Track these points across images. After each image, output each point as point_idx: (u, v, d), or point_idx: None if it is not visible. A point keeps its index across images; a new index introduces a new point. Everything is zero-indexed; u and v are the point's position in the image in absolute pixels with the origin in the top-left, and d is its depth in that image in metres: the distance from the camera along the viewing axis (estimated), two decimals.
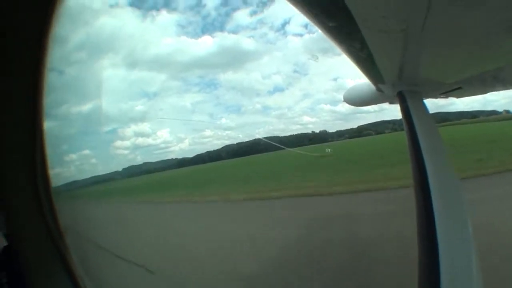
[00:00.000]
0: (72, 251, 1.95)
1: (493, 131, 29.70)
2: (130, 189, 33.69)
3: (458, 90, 3.93)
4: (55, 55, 1.59)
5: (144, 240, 12.33)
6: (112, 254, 9.92)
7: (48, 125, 1.74)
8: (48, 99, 1.66)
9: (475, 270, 2.27)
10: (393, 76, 3.25)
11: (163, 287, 8.24)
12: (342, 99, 6.07)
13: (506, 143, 21.53)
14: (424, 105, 3.47)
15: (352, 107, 6.18)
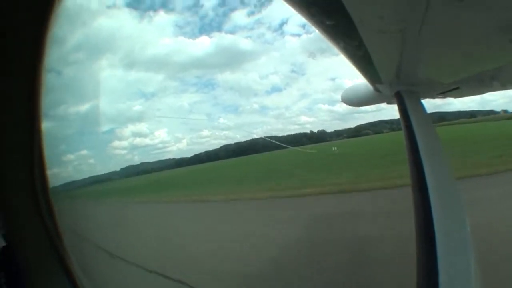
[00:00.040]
0: (70, 251, 1.95)
1: (496, 130, 29.83)
2: (128, 189, 33.66)
3: (456, 90, 3.94)
4: (53, 56, 1.59)
5: (142, 240, 12.32)
6: (110, 254, 9.91)
7: (46, 125, 1.74)
8: (46, 100, 1.66)
9: (474, 269, 2.28)
10: (390, 76, 3.25)
11: (161, 286, 8.23)
12: (340, 99, 6.07)
13: None
14: (421, 105, 3.48)
15: (350, 107, 6.18)
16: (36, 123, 1.68)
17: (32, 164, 1.72)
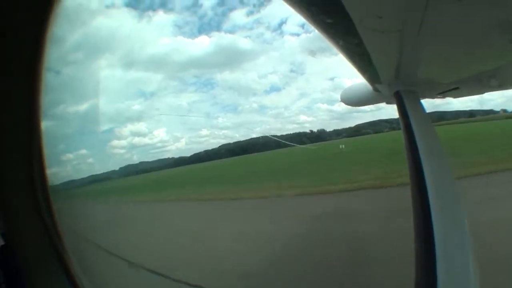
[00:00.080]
0: (69, 250, 1.95)
1: (500, 128, 29.78)
2: (127, 188, 33.62)
3: (455, 90, 3.94)
4: (52, 55, 1.59)
5: (141, 239, 12.31)
6: (110, 253, 9.90)
7: (45, 124, 1.74)
8: (46, 99, 1.66)
9: (472, 267, 2.29)
10: (390, 76, 3.26)
11: (159, 285, 8.24)
12: (339, 99, 6.07)
13: None
14: (421, 105, 3.48)
15: (349, 106, 6.17)
16: (36, 122, 1.68)
17: (31, 163, 1.72)
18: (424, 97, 3.92)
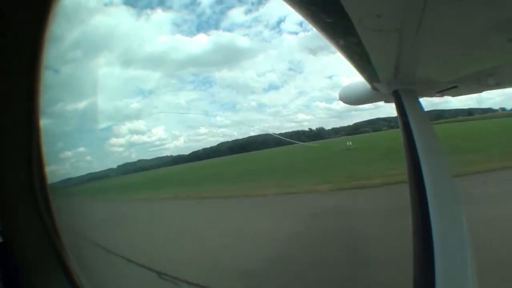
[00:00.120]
0: (68, 248, 1.95)
1: (499, 126, 29.88)
2: (125, 187, 33.64)
3: (453, 89, 3.95)
4: (51, 54, 1.59)
5: (140, 237, 12.32)
6: (108, 251, 9.91)
7: (44, 123, 1.74)
8: (44, 98, 1.66)
9: (470, 267, 2.29)
10: (388, 75, 3.26)
11: (158, 283, 8.25)
12: (338, 97, 6.06)
13: None
14: (419, 104, 3.48)
15: (347, 104, 6.16)
16: (35, 120, 1.68)
17: (30, 162, 1.72)
18: (423, 95, 3.92)
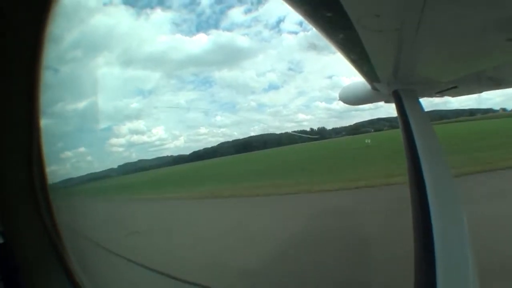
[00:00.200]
0: (69, 248, 1.95)
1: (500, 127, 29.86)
2: (126, 186, 33.65)
3: (453, 89, 3.95)
4: (51, 54, 1.59)
5: (140, 237, 12.33)
6: (109, 251, 9.92)
7: (44, 123, 1.74)
8: (44, 97, 1.66)
9: (471, 267, 2.29)
10: (388, 75, 3.26)
11: (159, 283, 8.25)
12: (338, 97, 6.05)
13: None
14: (419, 104, 3.48)
15: (347, 105, 6.15)
16: (35, 120, 1.68)
17: (31, 162, 1.73)
18: (423, 96, 3.92)
